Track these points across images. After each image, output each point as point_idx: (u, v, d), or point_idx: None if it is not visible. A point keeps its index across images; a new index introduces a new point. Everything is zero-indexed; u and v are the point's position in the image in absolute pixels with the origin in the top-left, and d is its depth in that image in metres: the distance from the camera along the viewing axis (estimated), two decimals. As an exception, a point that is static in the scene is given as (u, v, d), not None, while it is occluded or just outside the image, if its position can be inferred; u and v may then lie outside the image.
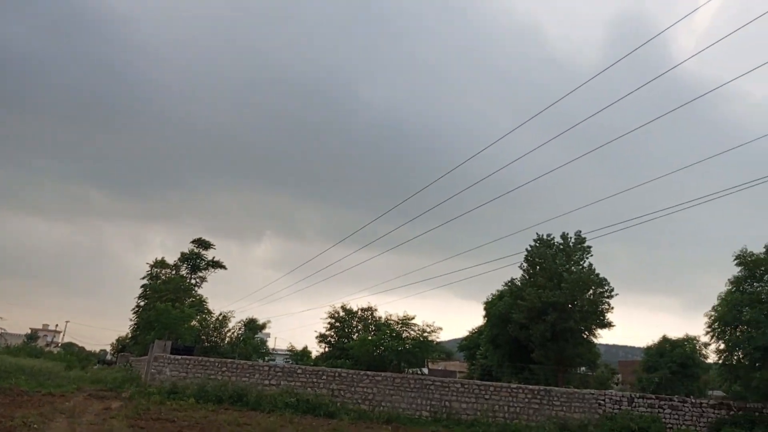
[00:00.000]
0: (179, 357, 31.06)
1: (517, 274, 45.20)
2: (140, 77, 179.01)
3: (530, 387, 29.91)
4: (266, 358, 49.70)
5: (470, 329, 61.44)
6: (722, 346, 32.34)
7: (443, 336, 45.12)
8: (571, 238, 42.79)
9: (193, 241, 69.54)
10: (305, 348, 52.02)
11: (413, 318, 39.67)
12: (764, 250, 32.20)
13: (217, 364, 30.61)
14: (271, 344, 70.10)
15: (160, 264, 67.66)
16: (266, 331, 58.83)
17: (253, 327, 53.46)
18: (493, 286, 51.04)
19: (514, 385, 30.02)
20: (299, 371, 30.33)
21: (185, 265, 68.27)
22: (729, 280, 33.12)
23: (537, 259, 42.78)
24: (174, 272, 66.92)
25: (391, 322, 40.26)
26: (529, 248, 43.55)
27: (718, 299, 32.85)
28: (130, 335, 70.97)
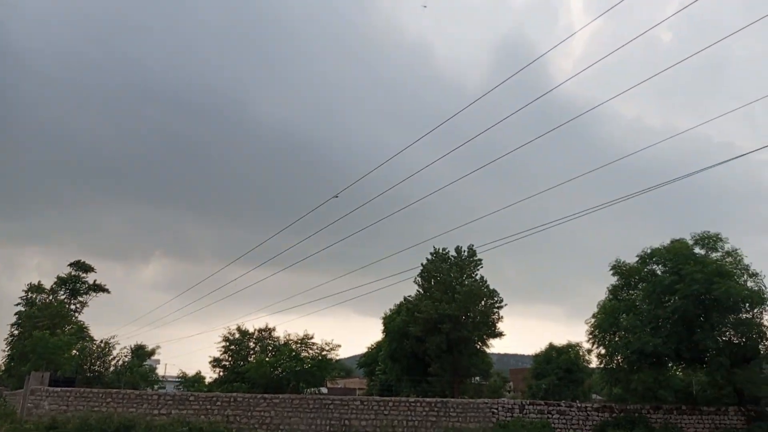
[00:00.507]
0: (59, 389, 29.01)
1: (412, 289, 46.07)
2: (10, 88, 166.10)
3: (428, 400, 30.43)
4: (156, 386, 47.15)
5: (369, 345, 61.71)
6: (602, 351, 34.56)
7: (343, 353, 45.07)
8: (464, 251, 44.36)
9: (71, 264, 64.64)
10: (198, 373, 49.88)
11: (312, 337, 39.24)
12: (637, 259, 34.85)
13: (100, 394, 28.77)
14: (161, 371, 66.65)
15: (36, 289, 62.37)
16: (156, 357, 55.79)
17: (140, 354, 50.55)
18: (392, 300, 51.77)
19: (412, 399, 30.45)
20: (191, 398, 29.06)
21: (63, 290, 63.45)
22: (607, 288, 35.52)
23: (432, 273, 43.98)
24: (51, 298, 62.02)
25: (290, 341, 39.56)
26: (426, 262, 44.67)
27: (597, 307, 35.12)
28: (3, 367, 64.81)
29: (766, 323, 31.83)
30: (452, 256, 44.57)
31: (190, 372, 49.88)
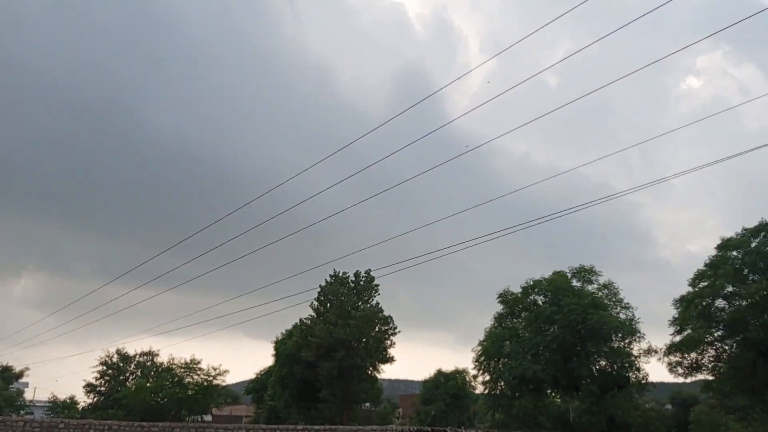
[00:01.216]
0: None
1: (306, 313, 45.50)
2: None
3: (316, 427, 29.88)
4: (22, 411, 43.51)
5: (258, 371, 60.14)
6: (487, 378, 35.80)
7: (231, 379, 43.54)
8: (363, 276, 44.38)
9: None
10: (72, 398, 46.52)
11: (199, 362, 37.66)
12: (520, 290, 36.63)
13: (-46, 423, 26.02)
14: (30, 395, 61.54)
15: None
16: (24, 379, 51.61)
17: (6, 376, 46.58)
18: (286, 324, 50.72)
19: (300, 427, 29.80)
20: (61, 425, 26.84)
21: None
22: (493, 316, 36.99)
23: (329, 296, 43.58)
24: None
25: (174, 366, 37.80)
26: (324, 285, 44.19)
27: (484, 334, 36.43)
28: None
29: (635, 353, 34.33)
30: (351, 280, 44.52)
31: (63, 396, 46.52)
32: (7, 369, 48.58)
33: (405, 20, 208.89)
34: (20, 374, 50.00)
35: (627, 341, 34.39)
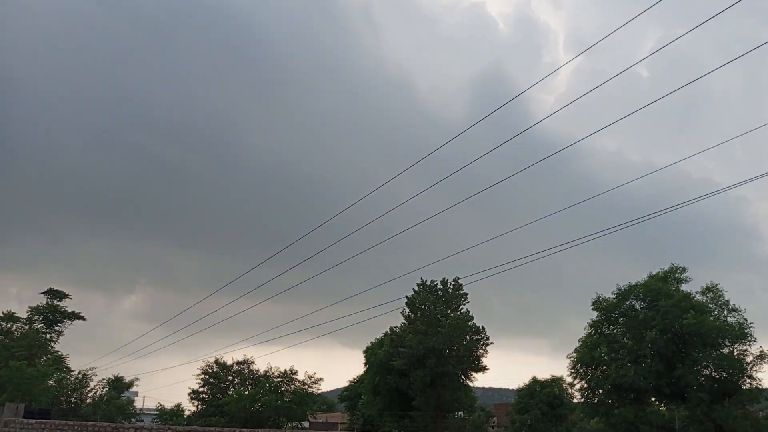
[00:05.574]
0: (33, 421, 28.03)
1: (397, 320, 45.67)
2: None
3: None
4: (133, 419, 46.06)
5: (351, 379, 60.93)
6: (584, 385, 34.54)
7: (325, 386, 44.31)
8: (450, 284, 44.07)
9: (45, 292, 63.27)
10: (178, 406, 48.89)
11: (296, 372, 38.60)
12: (614, 295, 35.14)
13: (76, 427, 27.88)
14: (139, 403, 65.24)
15: (9, 317, 60.99)
16: (134, 389, 54.74)
17: (118, 386, 49.53)
18: (377, 332, 51.31)
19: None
20: (169, 432, 28.37)
21: (39, 318, 62.13)
22: (588, 323, 35.70)
23: (418, 305, 43.55)
24: (27, 326, 60.73)
25: (271, 374, 38.96)
26: (413, 293, 44.23)
27: (579, 342, 35.21)
28: (-23, 399, 62.89)
29: (747, 359, 32.04)
30: (439, 288, 44.31)
31: (172, 404, 48.99)
32: (118, 379, 51.52)
33: (488, 20, 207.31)
34: (130, 384, 52.88)
35: (737, 347, 32.19)
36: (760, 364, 31.69)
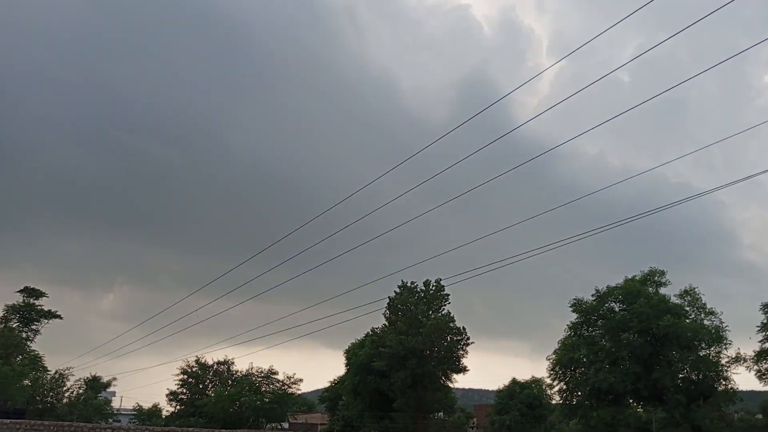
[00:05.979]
0: (8, 421, 27.78)
1: (379, 322, 45.70)
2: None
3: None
4: (110, 419, 45.56)
5: (332, 379, 60.72)
6: (563, 387, 34.87)
7: (306, 387, 44.20)
8: (432, 285, 44.22)
9: (21, 290, 62.17)
10: (156, 406, 48.41)
11: (276, 373, 38.44)
12: (593, 297, 35.51)
13: (52, 427, 27.61)
14: (116, 403, 64.42)
15: (-16, 316, 59.85)
16: (112, 389, 54.10)
17: (95, 386, 48.97)
18: (359, 333, 51.19)
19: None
20: (146, 433, 28.11)
21: (16, 317, 61.04)
22: (567, 325, 36.04)
23: (399, 306, 43.64)
24: (3, 325, 59.65)
25: (252, 374, 38.78)
26: (394, 294, 44.31)
27: (558, 343, 35.54)
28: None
29: (722, 361, 32.58)
30: (420, 289, 44.46)
31: (147, 405, 48.47)
32: (95, 379, 50.95)
33: (473, 23, 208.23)
34: (108, 384, 52.32)
35: (713, 349, 32.73)
36: (736, 366, 32.26)
